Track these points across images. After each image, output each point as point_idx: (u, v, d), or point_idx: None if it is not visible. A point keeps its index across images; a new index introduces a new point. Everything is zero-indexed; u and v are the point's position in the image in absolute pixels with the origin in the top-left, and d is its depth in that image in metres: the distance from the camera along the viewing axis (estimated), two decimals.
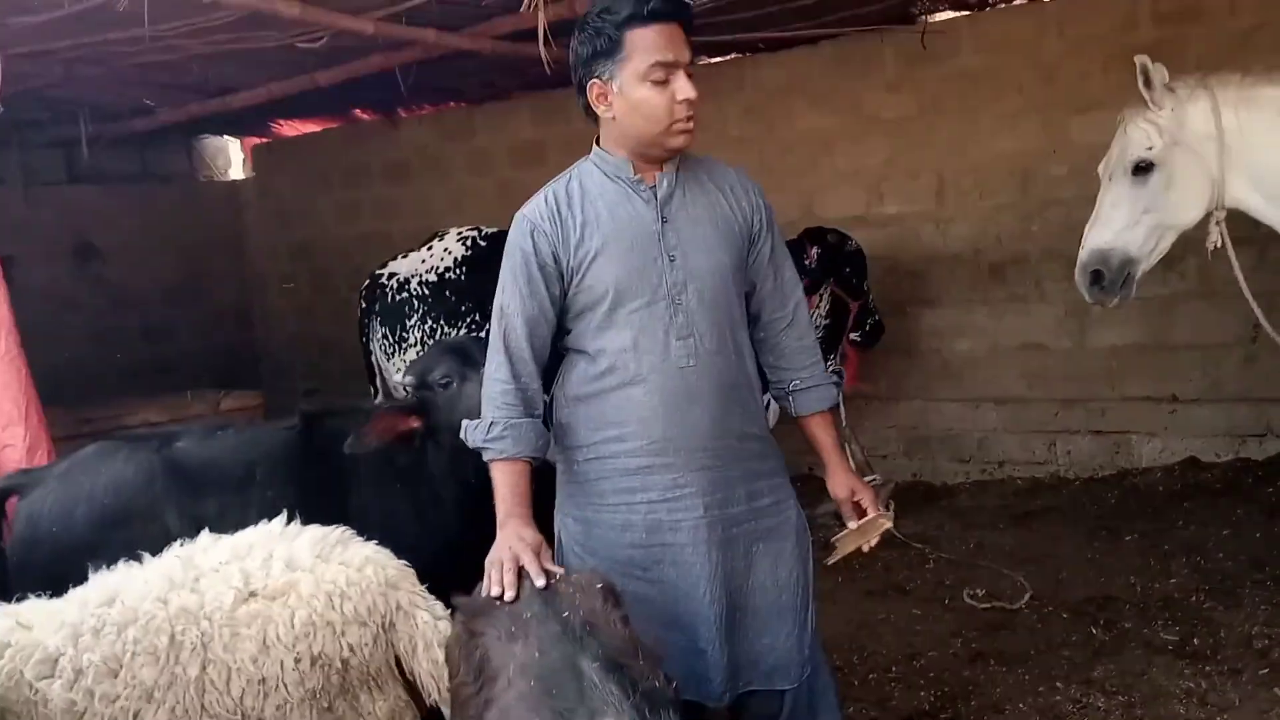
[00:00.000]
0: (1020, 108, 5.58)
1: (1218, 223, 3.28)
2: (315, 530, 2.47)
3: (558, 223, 2.22)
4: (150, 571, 2.37)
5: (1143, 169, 3.26)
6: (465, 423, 2.31)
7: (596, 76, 2.18)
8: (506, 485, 2.21)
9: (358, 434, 2.87)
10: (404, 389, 3.16)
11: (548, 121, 6.90)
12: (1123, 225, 3.32)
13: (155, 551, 2.42)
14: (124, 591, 2.29)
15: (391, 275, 5.07)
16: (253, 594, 2.29)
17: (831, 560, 2.47)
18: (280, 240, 8.60)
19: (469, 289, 4.85)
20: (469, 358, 2.91)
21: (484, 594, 2.07)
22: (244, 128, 8.29)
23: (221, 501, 2.89)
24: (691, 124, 2.17)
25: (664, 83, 2.13)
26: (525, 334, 2.24)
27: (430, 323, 4.92)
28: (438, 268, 4.96)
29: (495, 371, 2.27)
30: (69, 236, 7.55)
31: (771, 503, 2.36)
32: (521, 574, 2.03)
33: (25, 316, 4.37)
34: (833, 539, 2.45)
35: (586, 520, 2.31)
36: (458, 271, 4.91)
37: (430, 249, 5.06)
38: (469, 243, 4.98)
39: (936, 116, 5.81)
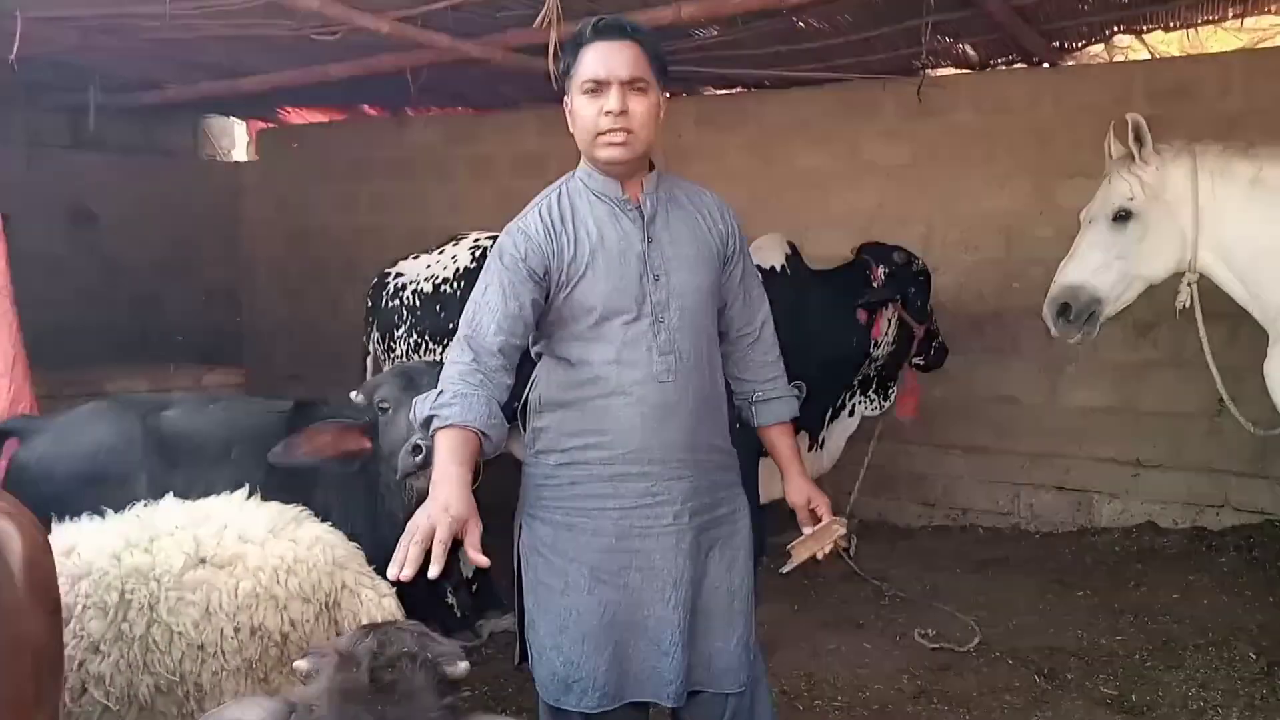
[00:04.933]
0: (1011, 168, 5.72)
1: (1189, 284, 3.44)
2: (273, 507, 2.53)
3: (552, 237, 2.29)
4: (109, 528, 2.42)
5: (1122, 217, 3.45)
6: (416, 399, 2.24)
7: (565, 94, 2.33)
8: (446, 449, 2.07)
9: (286, 443, 2.80)
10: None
11: (552, 134, 6.91)
12: (1096, 266, 3.50)
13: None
14: (81, 545, 2.35)
15: (397, 275, 4.80)
16: (202, 561, 2.34)
17: (787, 568, 2.54)
18: (277, 225, 8.64)
19: (460, 305, 4.54)
20: (412, 383, 2.82)
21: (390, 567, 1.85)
22: (251, 110, 8.36)
23: (191, 475, 2.92)
24: (620, 136, 2.24)
25: (595, 95, 2.24)
26: (495, 330, 2.22)
27: (415, 337, 4.60)
28: (436, 277, 4.60)
29: (456, 356, 2.24)
30: (67, 201, 7.58)
31: (728, 511, 2.45)
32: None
33: (16, 277, 4.42)
34: (788, 546, 2.53)
35: (555, 523, 2.36)
36: (455, 285, 4.51)
37: (440, 253, 4.74)
38: (478, 254, 4.54)
39: (930, 168, 5.94)
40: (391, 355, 4.69)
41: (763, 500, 3.87)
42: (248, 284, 8.89)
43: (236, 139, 9.09)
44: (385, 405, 2.83)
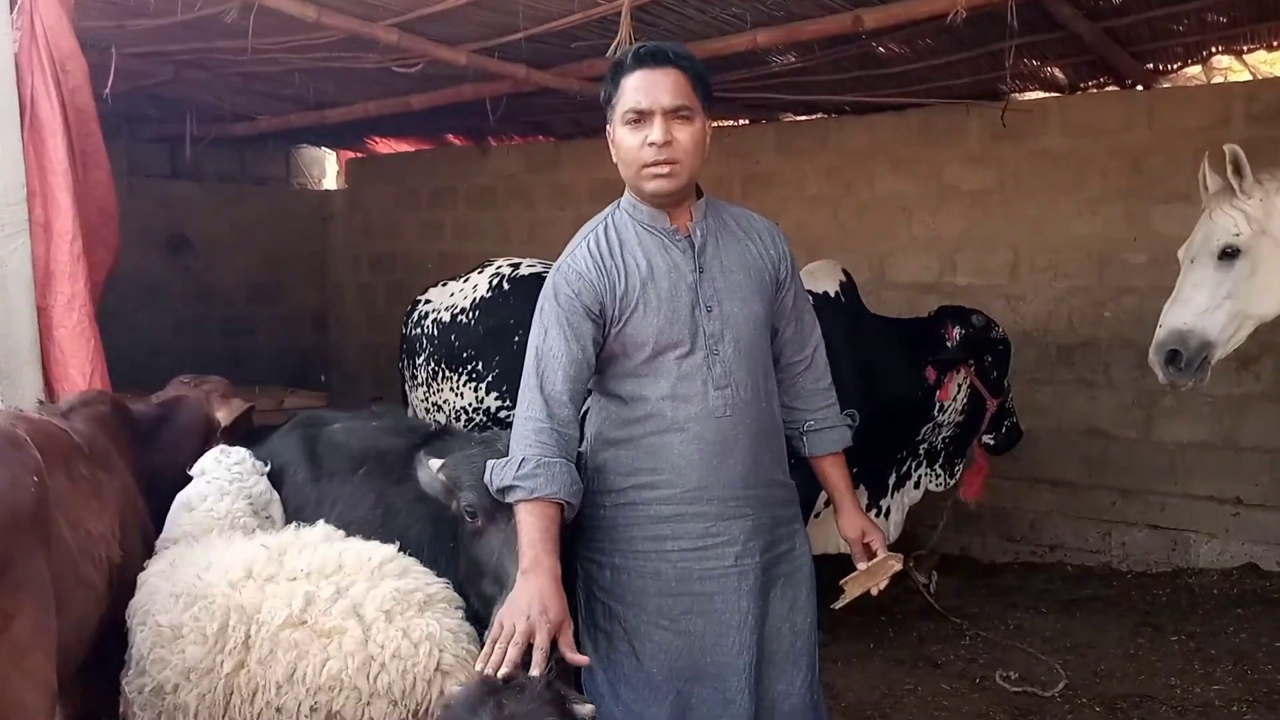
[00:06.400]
0: (1102, 192, 5.53)
1: None
2: (410, 580, 2.28)
3: (603, 272, 2.22)
4: (242, 551, 2.37)
5: (1229, 254, 3.19)
6: (491, 463, 2.19)
7: (609, 123, 2.26)
8: (536, 528, 2.05)
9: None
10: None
11: None
12: (1204, 308, 3.23)
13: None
14: (214, 565, 2.32)
15: (426, 302, 4.75)
16: (304, 622, 2.18)
17: (840, 604, 2.45)
18: (364, 251, 8.85)
19: (474, 335, 4.43)
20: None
21: (478, 661, 1.90)
22: (340, 140, 8.58)
23: (326, 488, 2.90)
24: (665, 169, 2.17)
25: (638, 125, 2.17)
26: (564, 377, 2.18)
27: (433, 365, 4.53)
28: (455, 306, 4.54)
29: (528, 410, 2.18)
30: (166, 228, 7.87)
31: (788, 549, 2.38)
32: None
33: (113, 301, 4.55)
34: (841, 582, 2.45)
35: (614, 566, 2.29)
36: (470, 315, 4.47)
37: (466, 281, 4.67)
38: (493, 282, 4.51)
39: (1017, 193, 5.79)
40: (415, 381, 4.67)
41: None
42: (335, 308, 9.10)
43: (327, 168, 9.33)
44: (472, 511, 2.40)
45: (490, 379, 4.37)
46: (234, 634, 2.18)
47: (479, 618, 2.34)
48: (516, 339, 4.29)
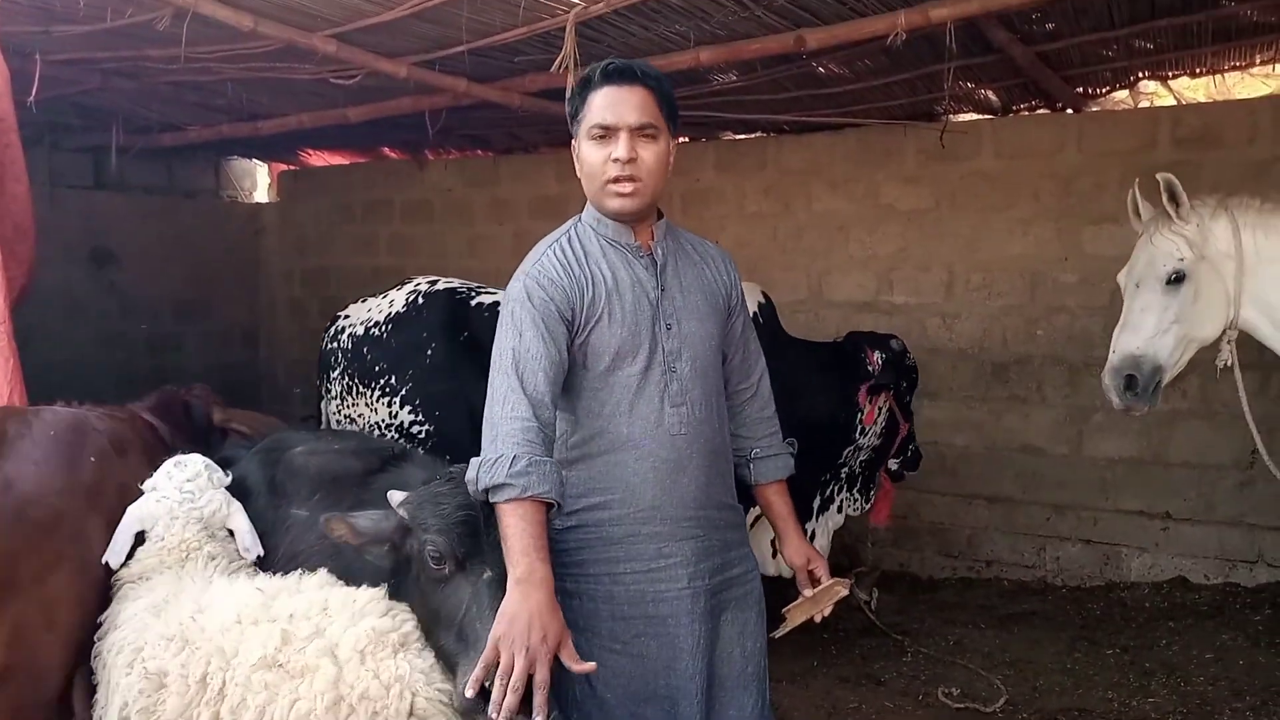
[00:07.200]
0: (1035, 213, 5.64)
1: (1229, 341, 3.31)
2: (388, 621, 2.17)
3: (572, 277, 2.20)
4: (238, 594, 2.24)
5: (1175, 279, 3.27)
6: (476, 461, 2.07)
7: (574, 138, 2.26)
8: (528, 534, 1.96)
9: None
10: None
11: (570, 178, 6.85)
12: (1153, 333, 3.30)
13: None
14: (214, 607, 2.22)
15: (345, 318, 4.67)
16: (278, 663, 2.08)
17: (780, 632, 2.45)
18: (296, 265, 8.67)
19: (386, 349, 4.39)
20: (476, 534, 2.18)
21: (469, 687, 1.88)
22: (273, 153, 8.40)
23: (284, 513, 2.78)
24: (629, 187, 2.18)
25: (604, 141, 2.18)
26: (544, 379, 2.10)
27: (346, 380, 4.49)
28: (369, 321, 4.51)
29: (513, 410, 2.07)
30: (88, 241, 7.61)
31: (740, 572, 2.36)
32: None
33: (34, 316, 4.37)
34: (784, 609, 2.44)
35: (564, 591, 2.21)
36: (384, 328, 4.43)
37: (384, 297, 4.61)
38: (410, 299, 4.46)
39: (952, 212, 5.87)
40: (329, 395, 4.59)
41: None
42: (266, 324, 8.89)
43: (258, 180, 9.13)
44: (438, 556, 2.19)
45: (404, 393, 4.32)
46: (212, 681, 2.09)
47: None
48: (430, 352, 4.25)
